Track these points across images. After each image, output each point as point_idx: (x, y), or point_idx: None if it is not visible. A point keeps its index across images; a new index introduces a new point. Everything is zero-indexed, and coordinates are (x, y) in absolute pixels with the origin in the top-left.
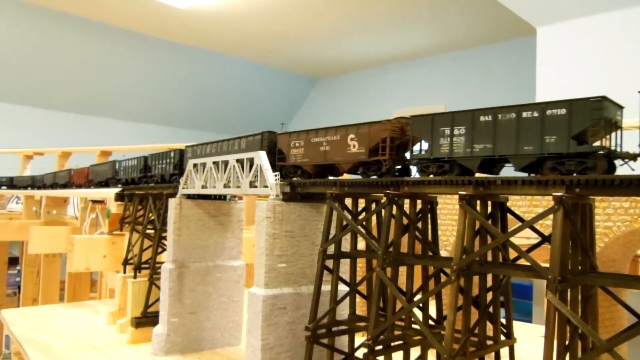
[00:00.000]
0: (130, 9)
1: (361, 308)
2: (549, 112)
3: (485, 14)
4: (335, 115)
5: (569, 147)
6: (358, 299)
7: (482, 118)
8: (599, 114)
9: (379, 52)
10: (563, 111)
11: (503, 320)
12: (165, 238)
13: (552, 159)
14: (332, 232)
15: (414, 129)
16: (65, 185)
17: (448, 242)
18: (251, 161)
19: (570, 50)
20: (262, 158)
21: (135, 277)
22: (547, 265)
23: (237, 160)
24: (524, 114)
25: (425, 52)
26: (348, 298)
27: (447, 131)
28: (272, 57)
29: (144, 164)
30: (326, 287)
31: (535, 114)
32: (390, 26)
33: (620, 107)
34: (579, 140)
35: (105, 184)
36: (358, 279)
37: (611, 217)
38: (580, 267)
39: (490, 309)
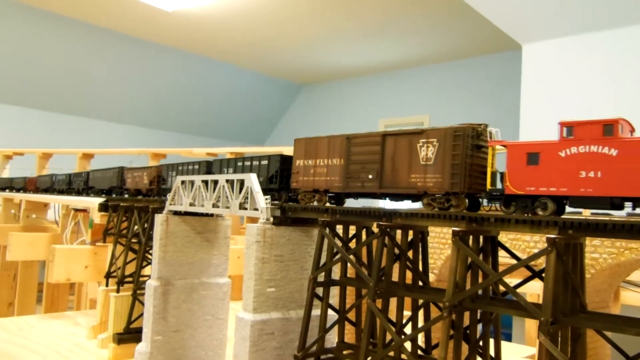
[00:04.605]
0: (117, 10)
1: (350, 334)
2: (262, 162)
3: (473, 27)
4: (320, 122)
5: (267, 185)
6: (347, 325)
7: (238, 163)
8: (278, 164)
9: (366, 61)
10: (265, 162)
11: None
12: (149, 252)
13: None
14: (323, 258)
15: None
16: (19, 190)
17: (435, 265)
18: (241, 183)
19: (554, 68)
20: (252, 180)
21: (118, 291)
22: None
23: (227, 181)
24: (254, 162)
25: (412, 63)
26: (337, 325)
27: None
28: (258, 63)
29: (69, 179)
30: (315, 312)
31: (264, 162)
32: (378, 36)
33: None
34: (271, 181)
35: (46, 190)
36: (347, 305)
37: (597, 249)
38: (570, 306)
39: (480, 343)
